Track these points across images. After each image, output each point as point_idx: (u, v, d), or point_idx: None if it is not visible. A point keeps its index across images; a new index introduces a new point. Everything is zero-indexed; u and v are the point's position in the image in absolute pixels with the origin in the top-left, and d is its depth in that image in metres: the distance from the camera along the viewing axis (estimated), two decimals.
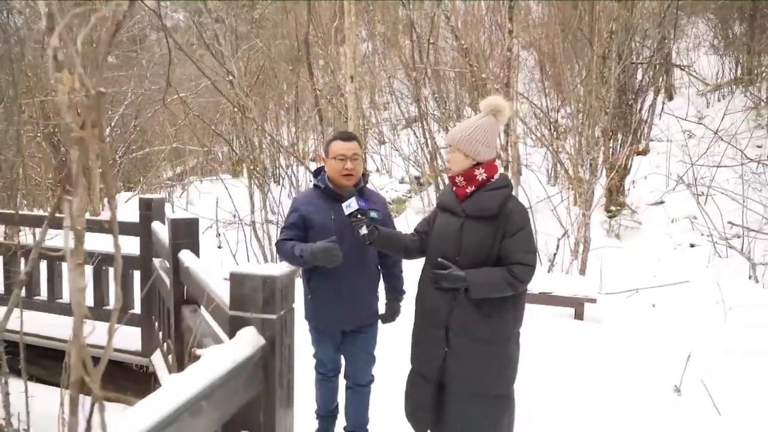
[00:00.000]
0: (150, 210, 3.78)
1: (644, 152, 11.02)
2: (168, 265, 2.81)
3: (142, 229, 3.81)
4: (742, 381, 3.54)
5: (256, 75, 8.97)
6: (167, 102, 9.82)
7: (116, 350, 4.06)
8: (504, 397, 2.12)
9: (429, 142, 8.74)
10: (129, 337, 3.92)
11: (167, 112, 10.57)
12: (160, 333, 3.54)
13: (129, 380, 4.01)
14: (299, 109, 8.15)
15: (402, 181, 12.21)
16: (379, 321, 2.56)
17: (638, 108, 7.95)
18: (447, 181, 2.36)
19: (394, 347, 2.81)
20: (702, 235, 6.55)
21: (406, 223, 8.34)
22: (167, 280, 3.15)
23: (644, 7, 8.87)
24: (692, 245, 6.54)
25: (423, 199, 9.53)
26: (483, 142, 2.09)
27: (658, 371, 3.69)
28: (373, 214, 2.22)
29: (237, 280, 1.37)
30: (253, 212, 6.74)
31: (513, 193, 2.21)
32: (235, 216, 8.40)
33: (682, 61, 13.33)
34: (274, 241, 7.05)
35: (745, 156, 7.18)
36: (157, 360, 3.71)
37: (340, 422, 2.69)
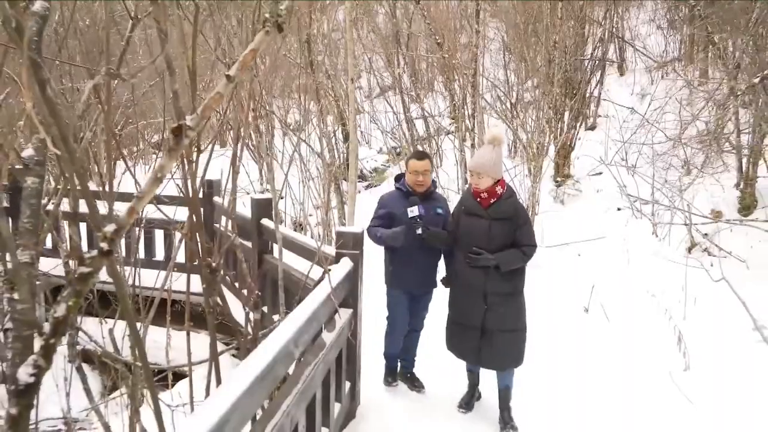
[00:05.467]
0: (212, 188, 5.14)
1: (593, 127, 12.60)
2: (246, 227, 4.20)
3: (205, 202, 5.14)
4: (629, 301, 5.21)
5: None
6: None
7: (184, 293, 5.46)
8: (524, 329, 3.33)
9: (406, 117, 10.08)
10: (192, 284, 5.30)
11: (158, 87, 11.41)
12: (227, 277, 4.92)
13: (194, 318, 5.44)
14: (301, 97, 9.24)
15: (380, 152, 13.42)
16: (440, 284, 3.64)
17: (582, 93, 9.44)
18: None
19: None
20: (629, 201, 8.18)
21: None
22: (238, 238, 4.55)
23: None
24: (619, 209, 8.19)
25: (401, 169, 10.75)
26: (500, 165, 3.25)
27: (574, 298, 5.33)
28: (439, 210, 3.45)
29: (340, 234, 2.80)
30: (262, 185, 8.02)
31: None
32: (240, 189, 9.65)
33: (633, 37, 14.57)
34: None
35: (665, 135, 8.81)
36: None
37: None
